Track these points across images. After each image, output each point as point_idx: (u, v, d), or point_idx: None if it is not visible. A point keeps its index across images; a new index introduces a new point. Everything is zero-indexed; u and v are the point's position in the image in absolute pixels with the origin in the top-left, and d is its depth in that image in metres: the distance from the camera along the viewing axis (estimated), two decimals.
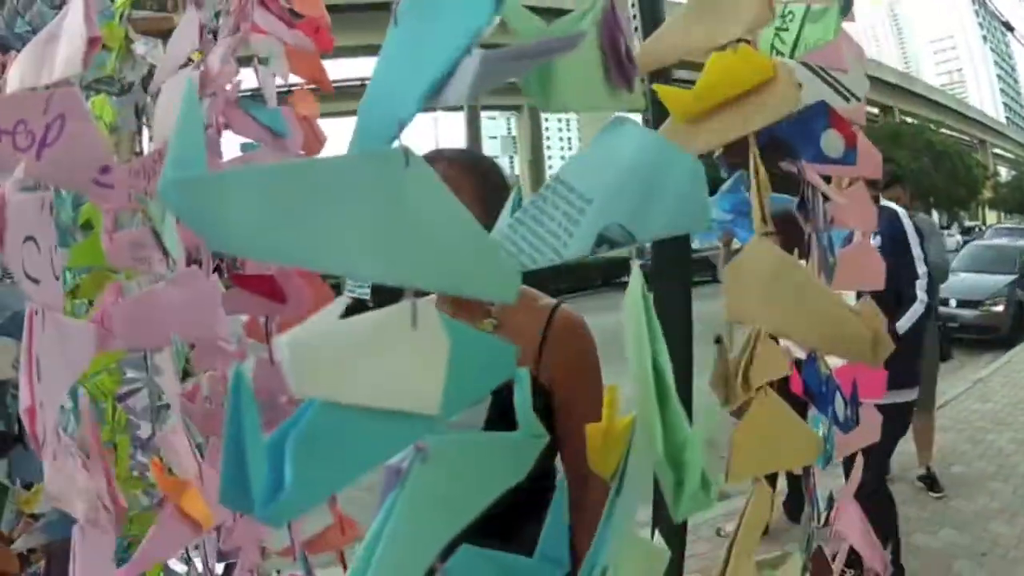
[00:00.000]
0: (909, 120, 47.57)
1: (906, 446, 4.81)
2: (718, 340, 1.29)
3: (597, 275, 22.51)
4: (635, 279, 0.55)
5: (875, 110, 49.29)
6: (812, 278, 0.78)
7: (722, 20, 0.71)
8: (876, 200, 3.34)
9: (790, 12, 0.88)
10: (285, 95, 1.58)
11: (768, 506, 0.81)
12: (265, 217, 0.35)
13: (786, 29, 0.89)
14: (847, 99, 0.85)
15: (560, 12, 0.68)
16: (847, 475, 3.42)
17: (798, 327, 0.75)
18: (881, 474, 3.58)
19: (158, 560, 0.95)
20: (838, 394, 0.93)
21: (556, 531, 0.57)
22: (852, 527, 1.11)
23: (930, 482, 4.52)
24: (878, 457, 3.16)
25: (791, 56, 0.87)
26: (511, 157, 61.57)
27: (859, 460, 1.16)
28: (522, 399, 0.55)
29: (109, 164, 0.77)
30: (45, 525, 1.26)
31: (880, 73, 49.06)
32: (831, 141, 0.81)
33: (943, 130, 47.08)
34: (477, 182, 1.40)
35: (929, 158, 36.54)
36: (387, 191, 0.38)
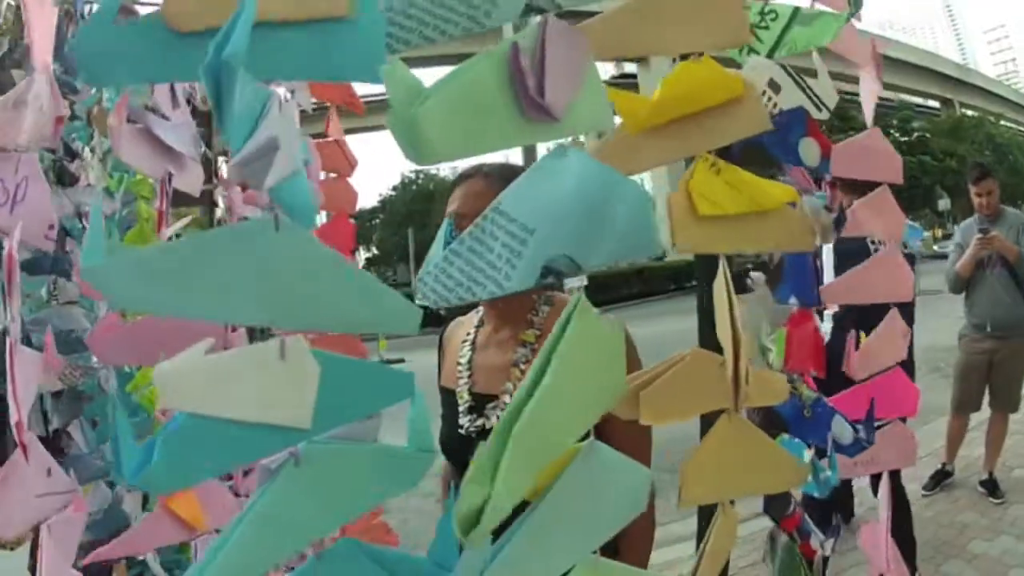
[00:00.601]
0: (969, 113, 45.76)
1: (968, 451, 4.61)
2: None
3: (669, 280, 22.28)
4: (572, 301, 0.55)
5: (936, 104, 47.69)
6: None
7: (694, 29, 0.65)
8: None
9: (771, 11, 0.83)
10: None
11: (733, 534, 0.76)
12: (154, 285, 0.44)
13: (765, 27, 0.83)
14: (819, 109, 0.81)
15: None
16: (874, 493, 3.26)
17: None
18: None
19: (136, 551, 1.04)
20: (837, 417, 0.88)
21: (445, 538, 0.58)
22: (879, 551, 1.06)
23: (991, 487, 4.31)
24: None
25: (770, 55, 0.82)
26: None
27: (885, 480, 1.09)
28: (415, 417, 0.57)
29: (53, 223, 0.92)
30: (89, 524, 1.32)
31: (938, 66, 47.33)
32: (808, 149, 0.78)
33: (1003, 122, 45.22)
34: None
35: (990, 152, 35.21)
36: (260, 253, 0.46)
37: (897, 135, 35.26)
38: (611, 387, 0.62)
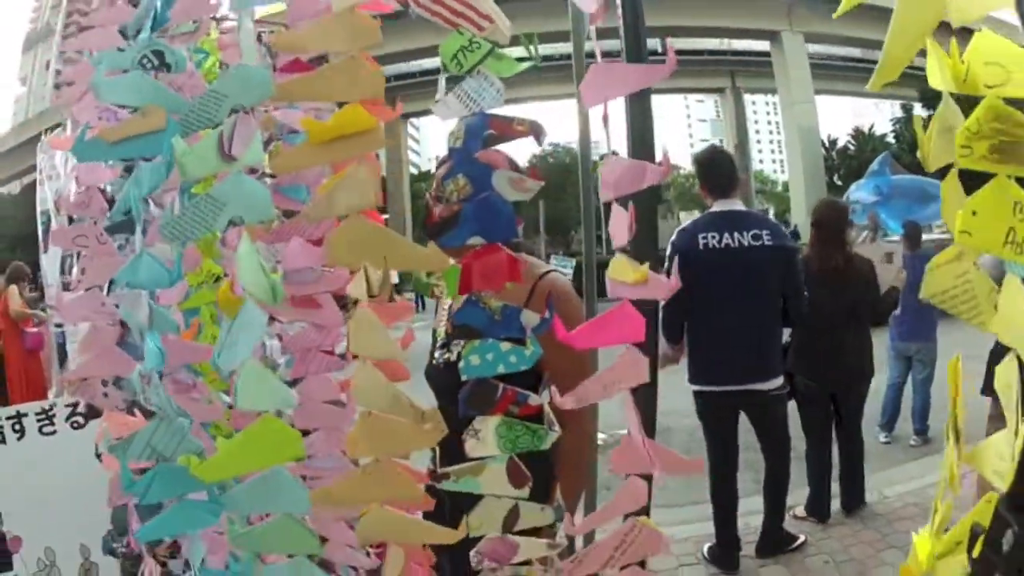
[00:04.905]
0: None
1: None
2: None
3: None
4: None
5: None
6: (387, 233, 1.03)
7: (347, 88, 0.98)
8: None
9: (477, 42, 1.06)
10: None
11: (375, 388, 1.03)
12: None
13: (471, 51, 1.06)
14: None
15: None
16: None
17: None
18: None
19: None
20: (525, 312, 1.08)
21: None
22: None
23: None
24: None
25: (465, 71, 1.06)
26: (720, 140, 55.81)
27: (629, 401, 1.12)
28: None
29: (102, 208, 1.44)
30: None
31: None
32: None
33: None
34: None
35: None
36: None
37: None
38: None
